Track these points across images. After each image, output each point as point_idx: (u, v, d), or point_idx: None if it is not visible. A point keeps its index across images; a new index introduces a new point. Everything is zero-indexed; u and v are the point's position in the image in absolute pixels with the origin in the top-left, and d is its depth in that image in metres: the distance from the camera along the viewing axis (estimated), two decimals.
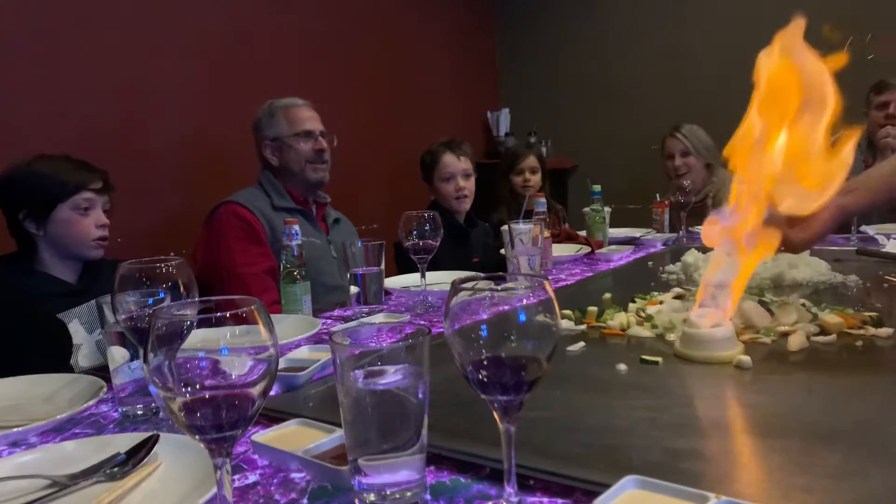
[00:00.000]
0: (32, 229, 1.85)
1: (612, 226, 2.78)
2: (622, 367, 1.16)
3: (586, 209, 2.68)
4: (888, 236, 2.42)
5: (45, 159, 1.89)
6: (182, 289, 0.99)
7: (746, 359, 1.14)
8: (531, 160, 3.32)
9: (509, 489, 0.71)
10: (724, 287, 1.24)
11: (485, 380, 0.67)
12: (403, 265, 2.45)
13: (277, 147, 2.35)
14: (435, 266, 1.99)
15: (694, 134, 3.28)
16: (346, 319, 1.65)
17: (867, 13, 3.89)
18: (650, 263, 2.24)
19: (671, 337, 1.30)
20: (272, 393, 1.07)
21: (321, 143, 2.37)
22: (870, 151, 3.01)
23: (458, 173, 2.87)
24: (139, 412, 1.06)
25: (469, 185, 2.90)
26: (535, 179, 3.31)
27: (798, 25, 1.27)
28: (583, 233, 2.67)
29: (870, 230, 2.59)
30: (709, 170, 3.29)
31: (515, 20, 5.11)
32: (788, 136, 1.26)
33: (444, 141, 2.94)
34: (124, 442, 0.89)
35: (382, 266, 1.68)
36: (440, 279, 1.92)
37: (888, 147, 2.80)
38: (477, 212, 3.02)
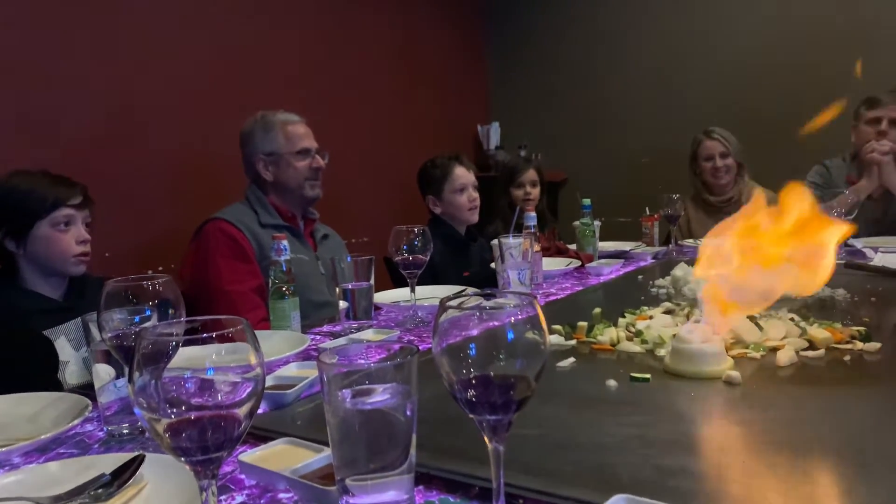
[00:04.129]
0: (12, 248, 1.82)
1: (602, 239, 2.79)
2: (612, 383, 1.16)
3: (576, 223, 2.68)
4: (876, 250, 2.44)
5: (22, 175, 1.85)
6: (169, 307, 0.98)
7: (736, 374, 1.14)
8: (531, 174, 3.36)
9: None
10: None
11: (473, 399, 0.67)
12: (397, 279, 2.44)
13: (273, 162, 2.34)
14: (433, 278, 1.98)
15: (729, 134, 3.34)
16: (335, 335, 1.65)
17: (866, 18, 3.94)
18: (640, 277, 2.24)
19: (661, 352, 1.30)
20: (260, 411, 1.07)
21: (318, 160, 2.38)
22: (853, 165, 3.04)
23: (469, 185, 2.92)
24: (125, 431, 1.05)
25: (478, 196, 2.95)
26: (536, 193, 3.35)
27: None
28: (573, 246, 2.68)
29: (858, 244, 2.61)
30: (740, 170, 3.34)
31: (506, 34, 5.14)
32: None
33: (449, 155, 2.97)
34: (109, 462, 0.88)
35: (372, 281, 1.68)
36: (431, 293, 1.92)
37: (873, 162, 2.82)
38: (474, 225, 3.04)
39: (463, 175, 2.91)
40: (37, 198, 1.81)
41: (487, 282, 2.17)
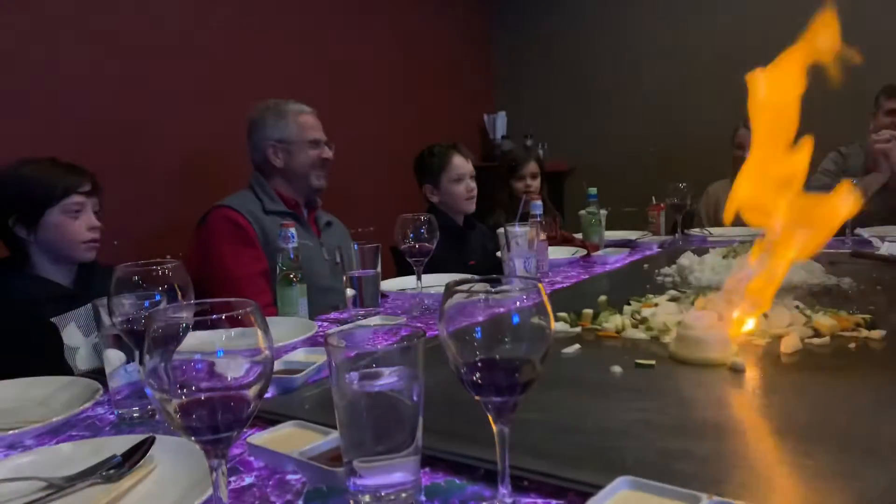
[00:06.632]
0: (23, 234, 1.84)
1: (608, 228, 2.78)
2: (617, 369, 1.16)
3: (582, 212, 2.68)
4: (883, 239, 2.43)
5: (32, 164, 1.87)
6: (178, 291, 1.00)
7: (740, 361, 1.15)
8: (532, 166, 3.34)
9: (503, 490, 0.71)
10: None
11: (479, 381, 0.67)
12: (403, 267, 2.45)
13: (284, 149, 2.37)
14: (433, 268, 1.99)
15: None
16: (342, 322, 1.66)
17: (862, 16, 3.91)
18: (646, 266, 2.24)
19: (666, 339, 1.31)
20: (269, 395, 1.08)
21: (327, 151, 2.42)
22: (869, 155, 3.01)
23: (467, 174, 2.91)
24: (135, 415, 1.06)
25: (475, 186, 2.93)
26: (536, 184, 3.33)
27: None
28: (579, 235, 2.68)
29: (864, 233, 2.60)
30: None
31: (511, 23, 5.12)
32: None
33: (447, 143, 2.96)
34: (120, 444, 0.89)
35: (378, 269, 1.69)
36: (437, 281, 1.93)
37: (880, 153, 2.79)
38: (473, 215, 3.03)
39: (461, 164, 2.90)
40: (48, 185, 1.83)
41: (493, 271, 2.18)
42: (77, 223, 1.86)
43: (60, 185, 1.85)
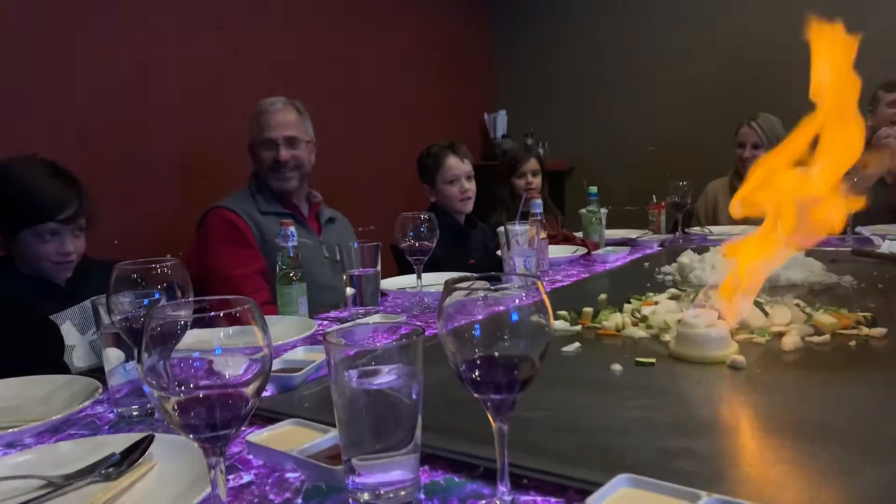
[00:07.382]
0: (2, 239, 1.82)
1: (608, 227, 2.78)
2: (617, 367, 1.16)
3: (583, 210, 2.68)
4: (884, 237, 2.43)
5: (28, 170, 1.78)
6: (177, 289, 0.99)
7: (741, 359, 1.15)
8: (532, 163, 3.34)
9: (502, 488, 0.71)
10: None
11: (478, 379, 0.67)
12: (403, 266, 2.45)
13: (251, 150, 2.38)
14: (434, 267, 2.00)
15: (770, 126, 3.20)
16: (342, 321, 1.66)
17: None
18: (646, 264, 2.24)
19: (666, 337, 1.31)
20: (268, 393, 1.08)
21: (283, 153, 2.31)
22: (866, 150, 3.01)
23: (462, 175, 2.90)
24: (134, 413, 1.06)
25: (472, 187, 2.93)
26: (537, 182, 3.33)
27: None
28: (579, 234, 2.68)
29: (865, 231, 2.60)
30: None
31: (512, 22, 5.12)
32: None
33: (444, 144, 2.95)
34: (119, 442, 0.89)
35: (378, 267, 1.69)
36: (437, 280, 1.93)
37: (887, 147, 2.79)
38: (475, 214, 3.03)
39: (455, 166, 2.89)
40: (24, 204, 1.75)
41: (493, 269, 2.18)
42: (46, 246, 1.77)
43: (35, 208, 1.74)
